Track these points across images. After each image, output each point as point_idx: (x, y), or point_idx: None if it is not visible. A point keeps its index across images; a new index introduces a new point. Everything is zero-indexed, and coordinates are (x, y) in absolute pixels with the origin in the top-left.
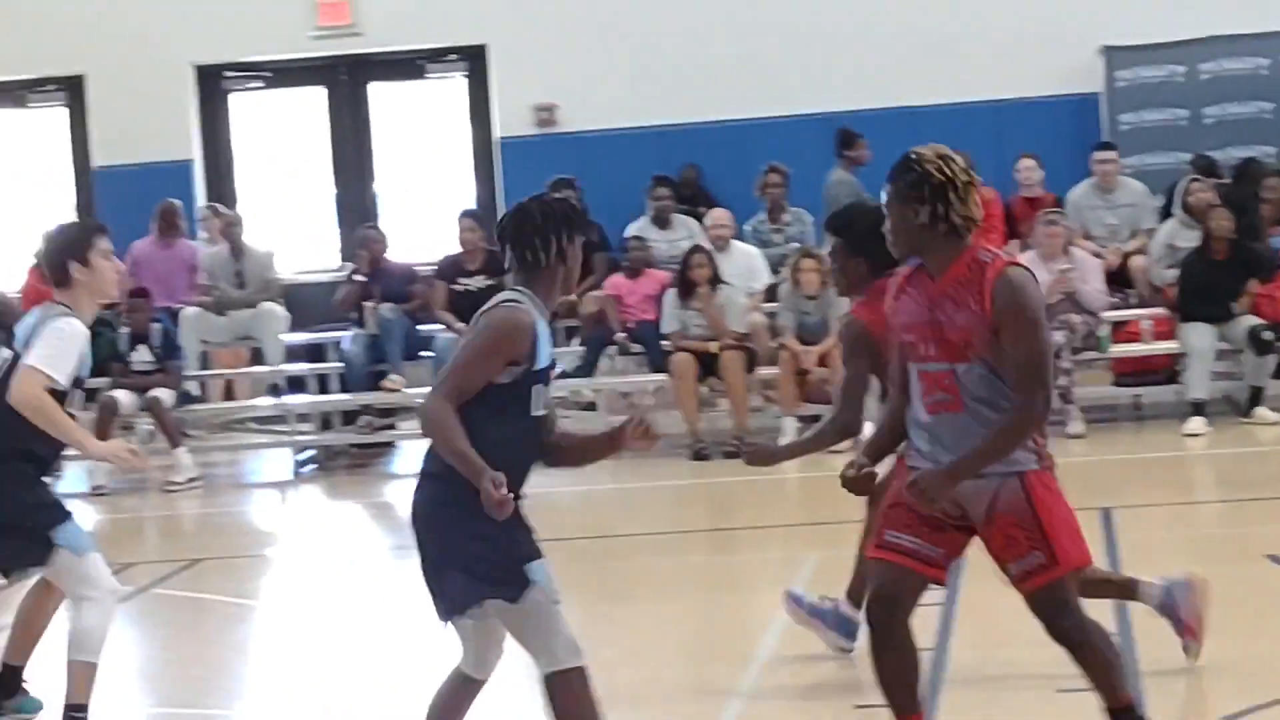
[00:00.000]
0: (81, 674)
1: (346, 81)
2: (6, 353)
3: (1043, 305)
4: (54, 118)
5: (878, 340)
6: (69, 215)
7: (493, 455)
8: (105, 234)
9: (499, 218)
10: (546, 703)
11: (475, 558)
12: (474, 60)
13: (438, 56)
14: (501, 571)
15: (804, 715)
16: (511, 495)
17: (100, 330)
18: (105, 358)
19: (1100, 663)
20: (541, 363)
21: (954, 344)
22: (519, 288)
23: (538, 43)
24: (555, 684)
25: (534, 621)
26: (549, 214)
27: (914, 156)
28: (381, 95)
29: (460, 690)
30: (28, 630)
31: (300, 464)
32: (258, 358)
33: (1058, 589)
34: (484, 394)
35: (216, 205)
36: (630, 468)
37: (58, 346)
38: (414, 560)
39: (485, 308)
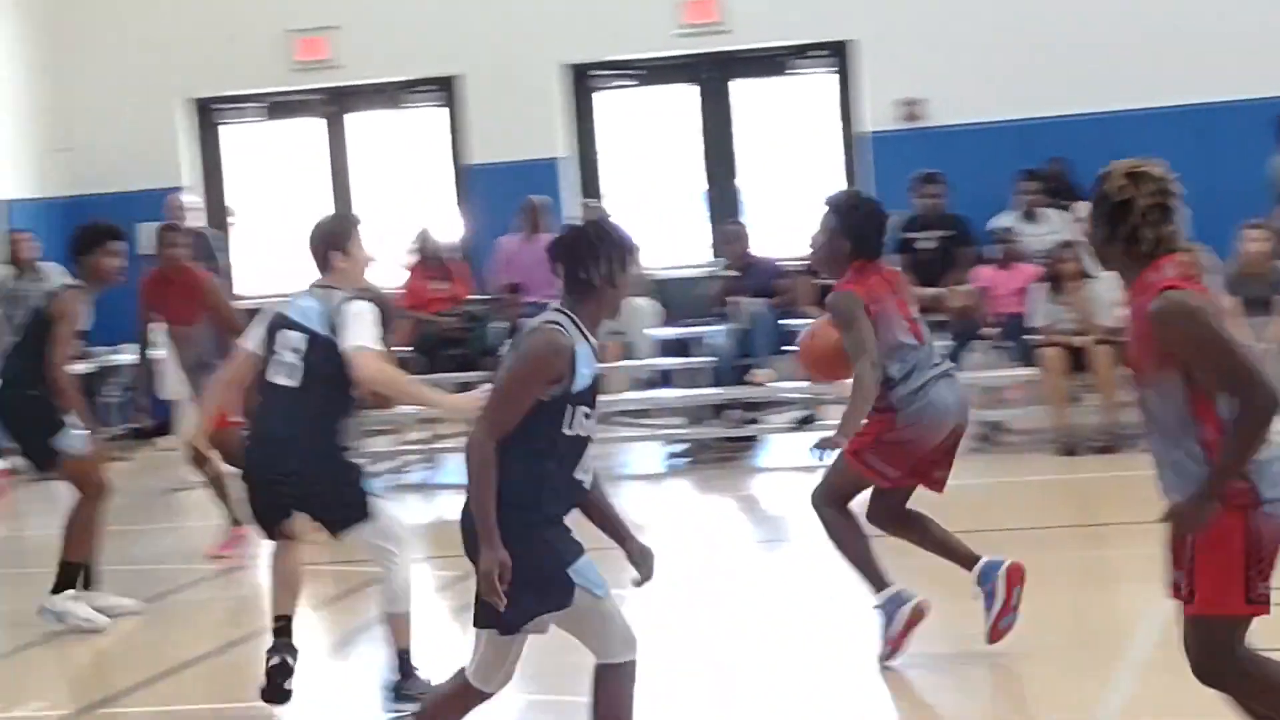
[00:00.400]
0: (402, 625)
1: (712, 79)
2: (293, 335)
3: (1205, 315)
4: (431, 117)
5: (869, 307)
6: (440, 212)
7: (521, 467)
8: (361, 225)
9: (555, 237)
10: (591, 689)
11: (522, 577)
12: (840, 55)
13: (803, 52)
14: (547, 584)
15: (1185, 715)
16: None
17: (473, 325)
18: (478, 351)
19: (1269, 700)
20: (580, 384)
21: (1135, 365)
22: (563, 309)
23: (905, 37)
24: (602, 675)
25: (585, 622)
26: (604, 237)
27: (1103, 171)
28: (746, 92)
29: (458, 692)
30: (289, 586)
31: (670, 457)
32: (627, 352)
33: (1199, 628)
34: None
35: (590, 202)
36: (998, 463)
37: (367, 324)
38: (783, 552)
39: (526, 330)
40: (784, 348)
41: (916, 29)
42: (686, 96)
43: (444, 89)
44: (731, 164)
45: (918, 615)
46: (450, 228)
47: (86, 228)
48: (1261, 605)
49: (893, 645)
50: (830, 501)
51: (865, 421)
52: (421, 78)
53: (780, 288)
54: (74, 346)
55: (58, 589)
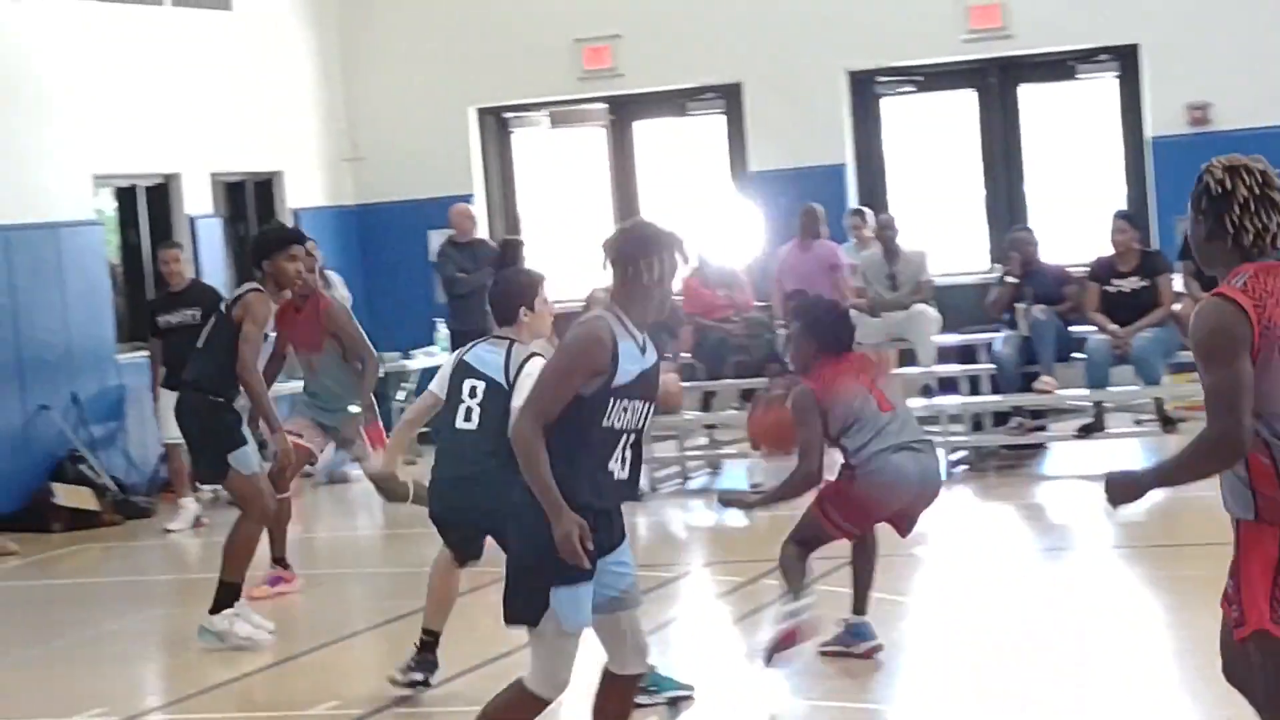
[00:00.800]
0: None
1: (996, 84)
2: (474, 383)
3: (1218, 336)
4: (711, 125)
5: (824, 406)
6: (722, 219)
7: (559, 461)
8: (546, 282)
9: (609, 235)
10: (502, 692)
11: (519, 576)
12: (1125, 59)
13: (1088, 57)
14: (529, 595)
15: None
16: (584, 533)
17: (756, 332)
18: (764, 358)
19: None
20: (622, 378)
21: None
22: (611, 306)
23: (1191, 40)
24: (515, 689)
25: (537, 643)
26: (657, 238)
27: (1204, 166)
28: (1031, 97)
29: (605, 685)
30: (442, 602)
31: (952, 464)
32: (906, 358)
33: (1252, 649)
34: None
35: (863, 210)
36: None
37: None
38: (1067, 561)
39: (572, 325)
40: (1071, 355)
41: (1203, 32)
42: (967, 102)
43: (725, 96)
44: (1015, 169)
45: (806, 631)
46: (732, 234)
47: (267, 233)
48: None
49: (785, 644)
50: (796, 545)
51: (835, 477)
52: (704, 85)
53: (1066, 294)
54: (262, 348)
55: (216, 608)
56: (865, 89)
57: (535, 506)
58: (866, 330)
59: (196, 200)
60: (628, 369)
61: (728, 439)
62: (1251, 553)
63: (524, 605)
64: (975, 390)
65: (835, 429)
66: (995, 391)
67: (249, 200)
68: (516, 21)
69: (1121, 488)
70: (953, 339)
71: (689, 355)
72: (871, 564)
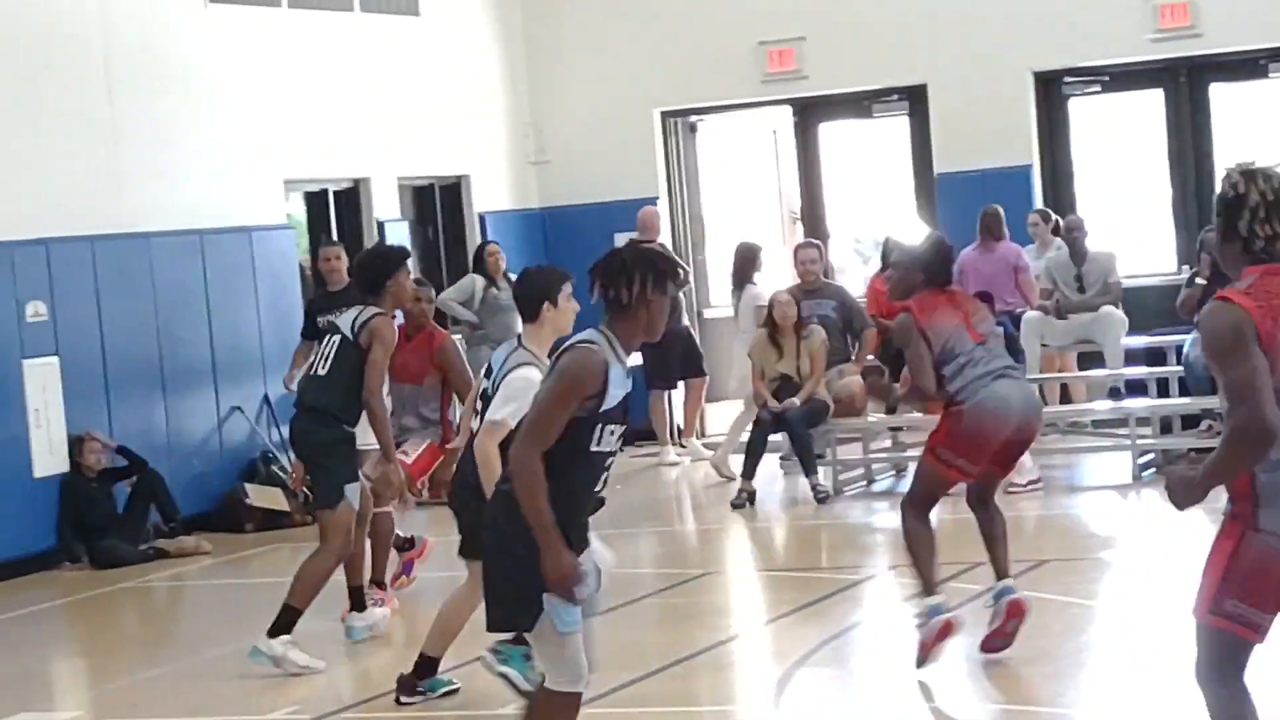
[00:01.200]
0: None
1: (1185, 83)
2: (485, 383)
3: (1225, 336)
4: (896, 126)
5: (923, 330)
6: (910, 220)
7: (549, 482)
8: (571, 280)
9: (599, 260)
10: (527, 706)
11: (505, 585)
12: None
13: (1277, 55)
14: (522, 601)
15: None
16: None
17: None
18: None
19: None
20: (610, 403)
21: None
22: (601, 328)
23: None
24: (540, 696)
25: (542, 644)
26: (638, 260)
27: (1226, 170)
28: (1222, 95)
29: (546, 706)
30: (447, 630)
31: (1141, 468)
32: (1093, 361)
33: (1197, 635)
34: None
35: (1045, 210)
36: None
37: (516, 399)
38: None
39: (562, 348)
40: None
41: None
42: (1156, 101)
43: (910, 98)
44: (1205, 169)
45: (948, 628)
46: (916, 236)
47: (379, 254)
48: (1226, 621)
49: (923, 652)
50: (915, 504)
51: (937, 422)
52: (888, 87)
53: None
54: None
55: (275, 632)
56: (1052, 89)
57: (511, 515)
58: (1054, 333)
59: (385, 204)
60: (615, 393)
61: (912, 441)
62: (1219, 545)
63: (517, 612)
64: (1164, 393)
65: (934, 355)
66: (1184, 394)
67: (436, 204)
68: (700, 24)
69: (1183, 489)
70: (1140, 341)
71: (873, 357)
72: (999, 527)
